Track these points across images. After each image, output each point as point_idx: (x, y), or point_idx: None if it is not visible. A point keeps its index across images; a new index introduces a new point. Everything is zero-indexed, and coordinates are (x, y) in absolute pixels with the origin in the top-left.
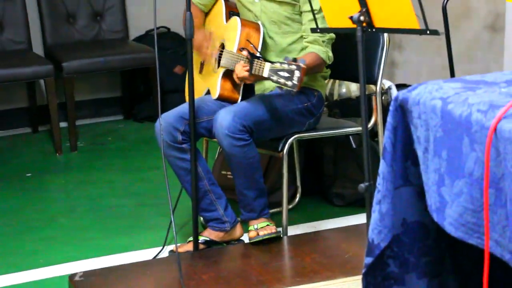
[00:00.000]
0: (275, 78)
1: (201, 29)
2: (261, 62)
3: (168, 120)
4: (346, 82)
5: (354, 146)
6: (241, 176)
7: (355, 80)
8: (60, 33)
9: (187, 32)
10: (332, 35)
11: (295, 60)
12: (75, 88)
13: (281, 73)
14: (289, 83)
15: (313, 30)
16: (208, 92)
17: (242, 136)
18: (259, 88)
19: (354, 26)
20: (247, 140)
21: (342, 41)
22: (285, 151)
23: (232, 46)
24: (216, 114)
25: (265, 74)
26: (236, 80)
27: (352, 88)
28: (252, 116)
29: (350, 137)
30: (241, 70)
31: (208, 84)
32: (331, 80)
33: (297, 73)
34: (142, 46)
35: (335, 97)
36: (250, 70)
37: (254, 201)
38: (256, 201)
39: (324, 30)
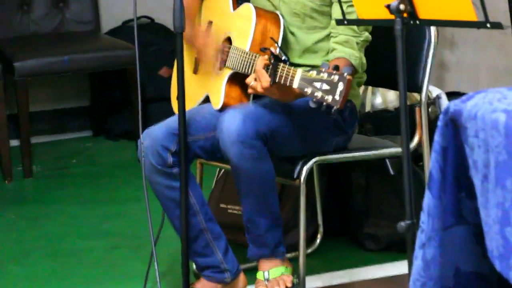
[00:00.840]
0: (309, 90)
1: (194, 19)
2: (288, 68)
3: (156, 137)
4: (381, 90)
5: (391, 172)
6: (250, 198)
7: (393, 87)
8: (11, 24)
9: (176, 24)
10: (368, 35)
11: (337, 68)
12: (30, 96)
13: (318, 85)
14: (329, 97)
15: (339, 22)
16: (206, 100)
17: (255, 144)
18: None
19: (392, 17)
20: (260, 150)
21: (376, 37)
22: (302, 178)
23: (244, 42)
24: (222, 115)
25: (295, 85)
26: (250, 90)
27: (389, 97)
28: (267, 121)
29: (387, 161)
30: (262, 77)
31: (206, 88)
32: (362, 87)
33: (340, 86)
34: (118, 42)
35: (367, 108)
36: (273, 78)
37: (266, 232)
38: (269, 233)
39: (353, 22)
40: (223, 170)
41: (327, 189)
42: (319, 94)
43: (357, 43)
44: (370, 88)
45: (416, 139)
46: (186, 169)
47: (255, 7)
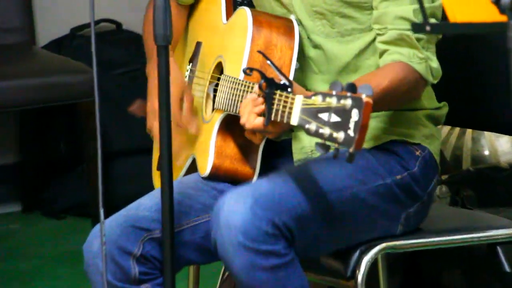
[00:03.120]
0: (312, 126)
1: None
2: (286, 96)
3: (109, 234)
4: (487, 135)
5: (507, 269)
6: None
7: (506, 130)
8: None
9: (157, 32)
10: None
11: (352, 88)
12: None
13: (325, 116)
14: (339, 135)
15: (418, 28)
16: (192, 168)
17: (274, 246)
18: (297, 147)
19: (503, 18)
20: (283, 254)
21: (475, 49)
22: (360, 277)
23: (238, 66)
24: (218, 203)
25: (294, 121)
26: (246, 134)
27: (500, 147)
28: (290, 205)
29: (499, 250)
30: (249, 114)
31: (192, 148)
32: (456, 130)
33: (354, 115)
34: (64, 61)
35: (466, 164)
36: (267, 114)
37: None
38: None
39: (440, 28)
40: None
41: None
42: (326, 132)
43: (419, 39)
44: (469, 132)
45: None
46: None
47: (253, 11)
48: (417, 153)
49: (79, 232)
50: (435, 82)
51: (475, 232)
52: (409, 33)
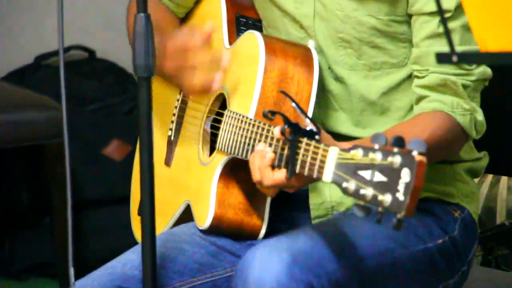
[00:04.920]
0: (351, 186)
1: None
2: (316, 146)
3: None
4: None
5: None
6: None
7: None
8: None
9: (137, 62)
10: (486, 70)
11: (399, 142)
12: None
13: (366, 175)
14: (386, 198)
15: (442, 58)
16: (184, 217)
17: None
18: (316, 202)
19: None
20: None
21: (510, 84)
22: None
23: (247, 101)
24: (246, 256)
25: (328, 177)
26: (260, 188)
27: None
28: (330, 268)
29: None
30: (264, 169)
31: (186, 192)
32: (489, 178)
33: (405, 175)
34: (27, 94)
35: (500, 217)
36: (291, 165)
37: None
38: None
39: (471, 58)
40: None
41: None
42: (368, 193)
43: (465, 87)
44: (504, 179)
45: None
46: None
47: (265, 37)
48: (456, 214)
49: None
50: (478, 138)
51: None
52: (455, 79)
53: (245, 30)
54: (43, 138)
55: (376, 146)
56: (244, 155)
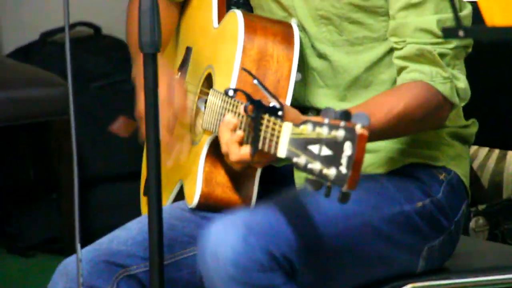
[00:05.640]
0: (301, 160)
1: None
2: (274, 123)
3: (75, 273)
4: None
5: None
6: None
7: None
8: None
9: (143, 39)
10: (468, 40)
11: (345, 115)
12: None
13: (315, 149)
14: (330, 172)
15: (449, 33)
16: (181, 195)
17: (269, 279)
18: (300, 175)
19: None
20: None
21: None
22: None
23: (227, 80)
24: (204, 232)
25: (282, 152)
26: (227, 161)
27: None
28: (291, 235)
29: None
30: (231, 144)
31: (180, 171)
32: (496, 152)
33: (347, 148)
34: (33, 71)
35: (506, 192)
36: (254, 142)
37: None
38: None
39: (474, 34)
40: None
41: None
42: (316, 167)
43: (444, 55)
44: (511, 154)
45: None
46: None
47: (246, 15)
48: (441, 176)
49: (51, 271)
50: (463, 104)
51: None
52: (431, 48)
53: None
54: (49, 115)
55: (326, 120)
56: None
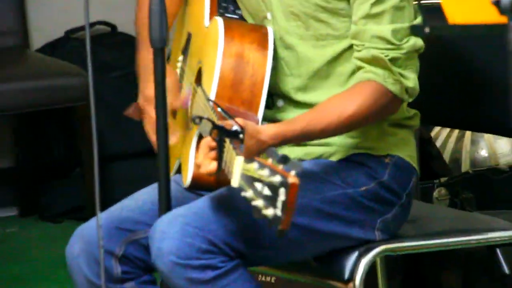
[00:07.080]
0: (249, 194)
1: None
2: (232, 153)
3: (90, 236)
4: (486, 137)
5: (506, 271)
6: None
7: (505, 131)
8: None
9: (153, 36)
10: (417, 42)
11: (284, 160)
12: None
13: (259, 187)
14: (269, 212)
15: (416, 30)
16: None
17: (209, 261)
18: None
19: (503, 20)
20: (221, 267)
21: (474, 50)
22: (358, 280)
23: (210, 82)
24: (151, 230)
25: (235, 183)
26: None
27: (499, 149)
28: (227, 219)
29: (498, 253)
30: (204, 158)
31: (179, 150)
32: (455, 133)
33: (282, 194)
34: (59, 64)
35: (465, 167)
36: (218, 162)
37: None
38: None
39: (438, 30)
40: None
41: None
42: (259, 204)
43: (392, 60)
44: (468, 134)
45: None
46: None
47: (226, 22)
48: (387, 160)
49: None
50: (411, 100)
51: (475, 234)
52: (383, 54)
53: (225, 6)
54: (72, 101)
55: (269, 161)
56: (203, 133)
